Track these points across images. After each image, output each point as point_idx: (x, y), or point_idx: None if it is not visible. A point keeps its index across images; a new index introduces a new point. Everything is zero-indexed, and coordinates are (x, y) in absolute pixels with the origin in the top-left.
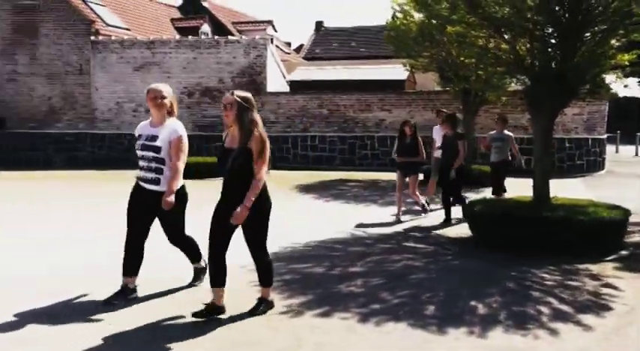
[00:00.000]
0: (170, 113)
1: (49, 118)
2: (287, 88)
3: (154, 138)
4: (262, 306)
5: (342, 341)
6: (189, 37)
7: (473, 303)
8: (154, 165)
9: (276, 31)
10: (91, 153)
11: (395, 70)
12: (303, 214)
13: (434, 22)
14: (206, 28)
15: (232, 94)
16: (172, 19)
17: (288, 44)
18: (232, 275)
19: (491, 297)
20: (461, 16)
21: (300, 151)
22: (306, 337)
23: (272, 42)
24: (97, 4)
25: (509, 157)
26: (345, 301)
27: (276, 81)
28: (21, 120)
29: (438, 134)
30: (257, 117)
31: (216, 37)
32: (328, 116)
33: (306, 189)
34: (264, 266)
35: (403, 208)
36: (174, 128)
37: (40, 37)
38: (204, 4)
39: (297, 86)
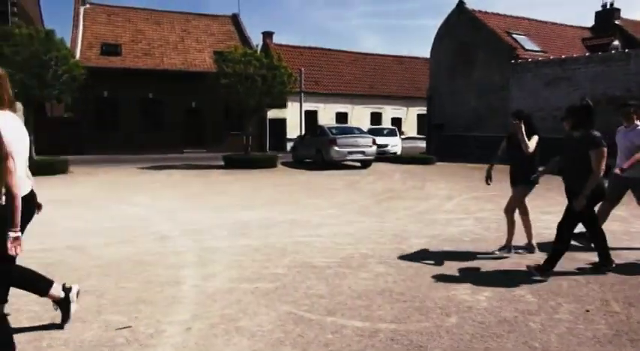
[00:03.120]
0: (3, 104)
1: (475, 124)
2: None
3: None
4: None
5: None
6: (599, 53)
7: None
8: None
9: None
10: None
11: None
12: None
13: None
14: (616, 43)
15: None
16: (583, 39)
17: None
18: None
19: None
20: None
21: None
22: None
23: None
24: (518, 34)
25: None
26: None
27: None
28: (454, 125)
29: (619, 138)
30: None
31: (626, 50)
32: None
33: None
34: None
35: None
36: None
37: (474, 63)
38: (617, 22)
39: None
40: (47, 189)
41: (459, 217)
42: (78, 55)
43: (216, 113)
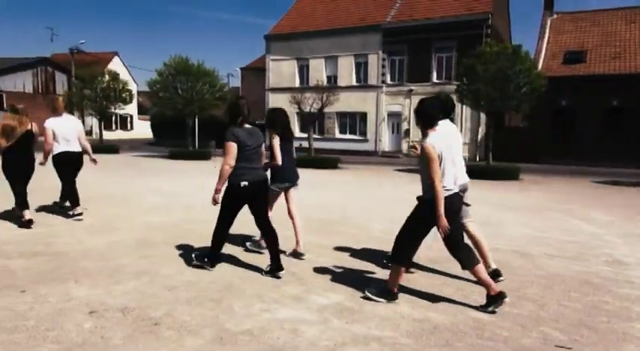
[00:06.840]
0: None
1: None
2: None
3: None
4: None
5: None
6: None
7: None
8: None
9: None
10: None
11: None
12: None
13: None
14: None
15: None
16: None
17: None
18: None
19: None
20: None
21: None
22: None
23: None
24: None
25: None
26: None
27: None
28: None
29: None
30: None
31: None
32: None
33: None
34: None
35: None
36: None
37: None
38: None
39: None
40: (497, 193)
41: None
42: (540, 65)
43: None
